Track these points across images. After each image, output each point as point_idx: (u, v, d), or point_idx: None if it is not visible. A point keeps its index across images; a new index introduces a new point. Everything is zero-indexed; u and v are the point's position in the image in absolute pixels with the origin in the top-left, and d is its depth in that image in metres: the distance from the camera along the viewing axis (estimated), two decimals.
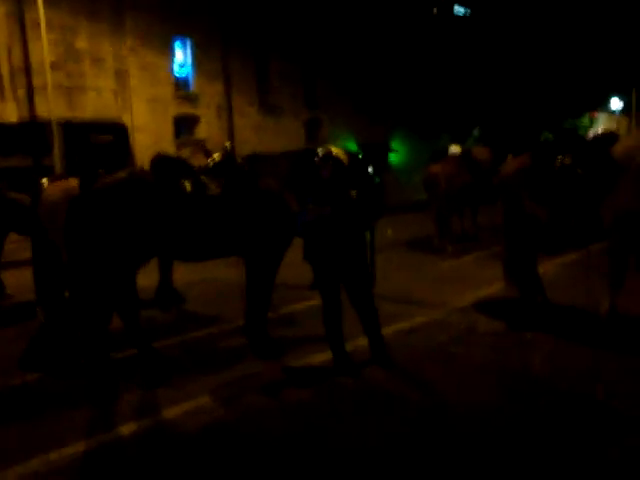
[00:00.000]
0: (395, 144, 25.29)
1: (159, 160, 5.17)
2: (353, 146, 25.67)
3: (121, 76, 18.46)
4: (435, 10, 28.56)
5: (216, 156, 5.56)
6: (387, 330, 5.61)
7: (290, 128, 22.56)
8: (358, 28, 23.84)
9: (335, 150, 5.05)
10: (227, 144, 5.93)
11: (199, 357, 5.65)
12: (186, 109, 20.07)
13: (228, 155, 5.48)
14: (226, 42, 20.70)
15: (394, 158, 25.29)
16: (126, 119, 18.60)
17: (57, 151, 15.70)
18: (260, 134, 21.82)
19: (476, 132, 26.29)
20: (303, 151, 6.05)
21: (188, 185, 4.96)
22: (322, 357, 5.28)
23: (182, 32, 19.74)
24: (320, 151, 5.03)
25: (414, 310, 6.87)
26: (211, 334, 6.36)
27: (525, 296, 6.12)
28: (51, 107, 15.77)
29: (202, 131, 20.48)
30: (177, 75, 20.05)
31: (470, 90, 27.26)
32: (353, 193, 4.94)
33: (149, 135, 18.98)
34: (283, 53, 22.24)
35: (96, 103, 18.00)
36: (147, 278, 6.91)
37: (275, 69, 22.41)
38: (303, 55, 22.98)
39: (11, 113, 16.68)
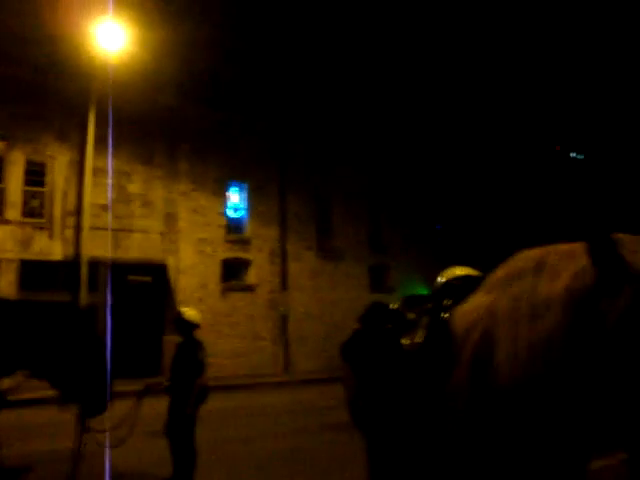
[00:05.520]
0: None
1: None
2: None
3: (170, 219, 19.12)
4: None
5: None
6: None
7: (352, 274, 21.84)
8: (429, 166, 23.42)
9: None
10: None
11: None
12: (237, 252, 20.19)
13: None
14: (284, 185, 21.20)
15: None
16: (171, 261, 18.97)
17: (84, 288, 16.09)
18: (317, 280, 21.33)
19: None
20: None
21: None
22: None
23: (238, 177, 20.50)
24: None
25: None
26: None
27: None
28: (86, 247, 16.59)
29: (252, 275, 20.34)
30: (230, 218, 20.47)
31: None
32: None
33: (194, 277, 19.16)
34: (347, 194, 22.35)
35: (142, 244, 18.61)
36: None
37: (338, 211, 22.34)
38: (369, 196, 22.84)
39: (57, 251, 17.61)
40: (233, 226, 20.54)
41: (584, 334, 2.30)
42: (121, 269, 17.91)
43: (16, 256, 17.14)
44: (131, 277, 17.80)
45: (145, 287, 18.02)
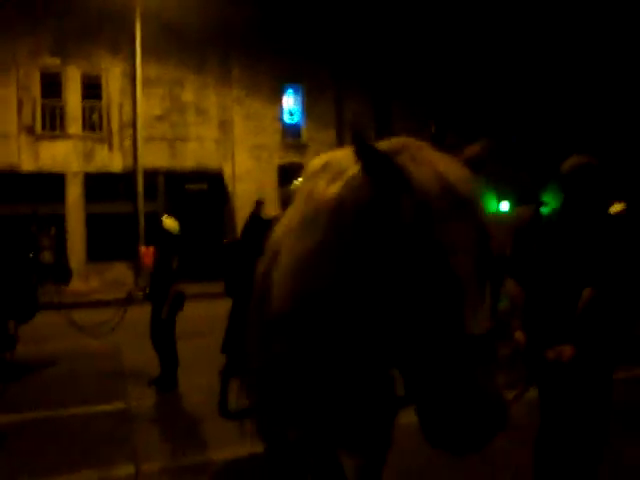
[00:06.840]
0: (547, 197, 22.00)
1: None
2: (493, 205, 23.05)
3: (225, 126, 19.21)
4: None
5: None
6: None
7: None
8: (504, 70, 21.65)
9: None
10: None
11: None
12: (293, 158, 20.04)
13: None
14: (340, 87, 20.53)
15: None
16: (227, 168, 19.23)
17: (141, 198, 16.88)
18: None
19: None
20: None
21: None
22: None
23: (292, 79, 20.01)
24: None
25: None
26: None
27: None
28: (142, 157, 17.15)
29: None
30: (286, 123, 20.22)
31: None
32: None
33: (251, 183, 19.39)
34: (409, 98, 21.18)
35: (198, 153, 18.92)
36: None
37: (398, 116, 21.33)
38: (433, 100, 21.51)
39: (117, 163, 18.33)
40: (289, 131, 20.36)
41: (350, 256, 1.86)
42: (178, 178, 18.46)
43: (80, 169, 18.06)
44: (188, 186, 18.30)
45: (202, 195, 18.48)
